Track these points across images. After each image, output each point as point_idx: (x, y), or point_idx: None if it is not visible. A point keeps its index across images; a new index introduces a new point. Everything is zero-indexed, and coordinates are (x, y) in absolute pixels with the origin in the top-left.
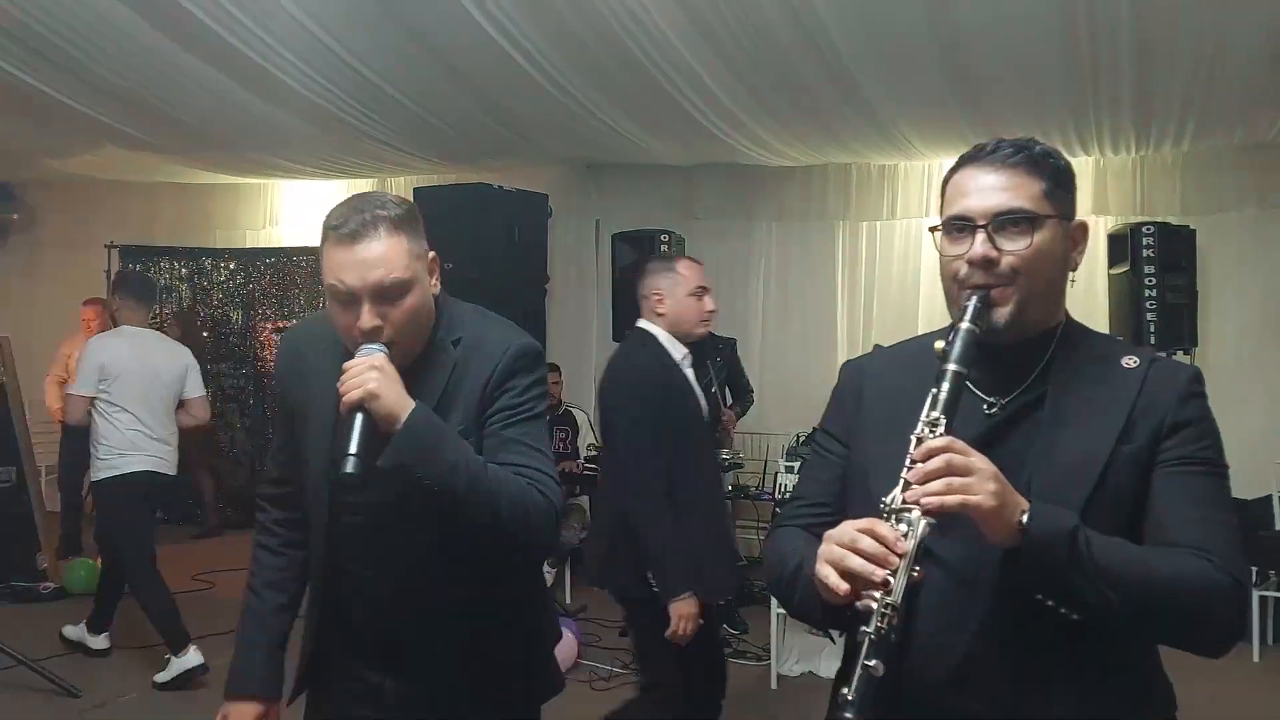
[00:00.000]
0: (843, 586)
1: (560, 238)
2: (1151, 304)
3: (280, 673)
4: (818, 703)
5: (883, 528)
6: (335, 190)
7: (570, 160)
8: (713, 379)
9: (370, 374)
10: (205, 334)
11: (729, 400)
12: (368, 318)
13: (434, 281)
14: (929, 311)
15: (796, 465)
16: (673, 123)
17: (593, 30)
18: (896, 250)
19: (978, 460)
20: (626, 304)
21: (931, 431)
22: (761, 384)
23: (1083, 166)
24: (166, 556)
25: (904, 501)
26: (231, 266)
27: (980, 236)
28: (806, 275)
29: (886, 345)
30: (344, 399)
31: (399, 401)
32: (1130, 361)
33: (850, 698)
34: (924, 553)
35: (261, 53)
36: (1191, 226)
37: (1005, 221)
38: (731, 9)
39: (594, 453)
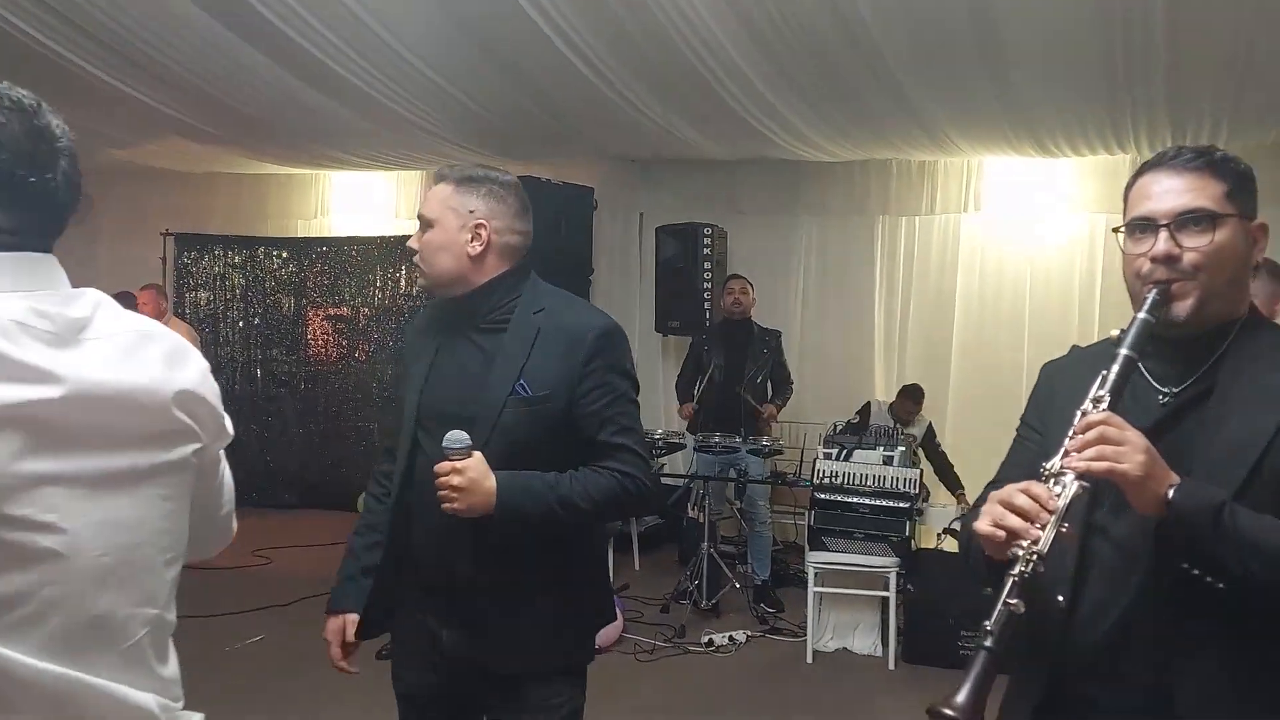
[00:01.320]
0: (998, 534)
1: (605, 230)
2: None
3: (364, 595)
4: (851, 676)
5: (1038, 487)
6: (387, 181)
7: (616, 155)
8: (761, 370)
9: (451, 496)
10: (256, 320)
11: (770, 392)
12: (413, 237)
13: (473, 244)
14: (965, 305)
15: (834, 453)
16: (717, 118)
17: (642, 27)
18: (935, 245)
19: (1132, 434)
20: (668, 296)
21: (1095, 407)
22: (801, 374)
23: (1119, 164)
24: None
25: (1061, 466)
26: (284, 255)
27: (1163, 235)
28: (846, 268)
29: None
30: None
31: (484, 502)
32: None
33: (990, 629)
34: (1094, 530)
35: (320, 46)
36: None
37: (1187, 220)
38: (778, 7)
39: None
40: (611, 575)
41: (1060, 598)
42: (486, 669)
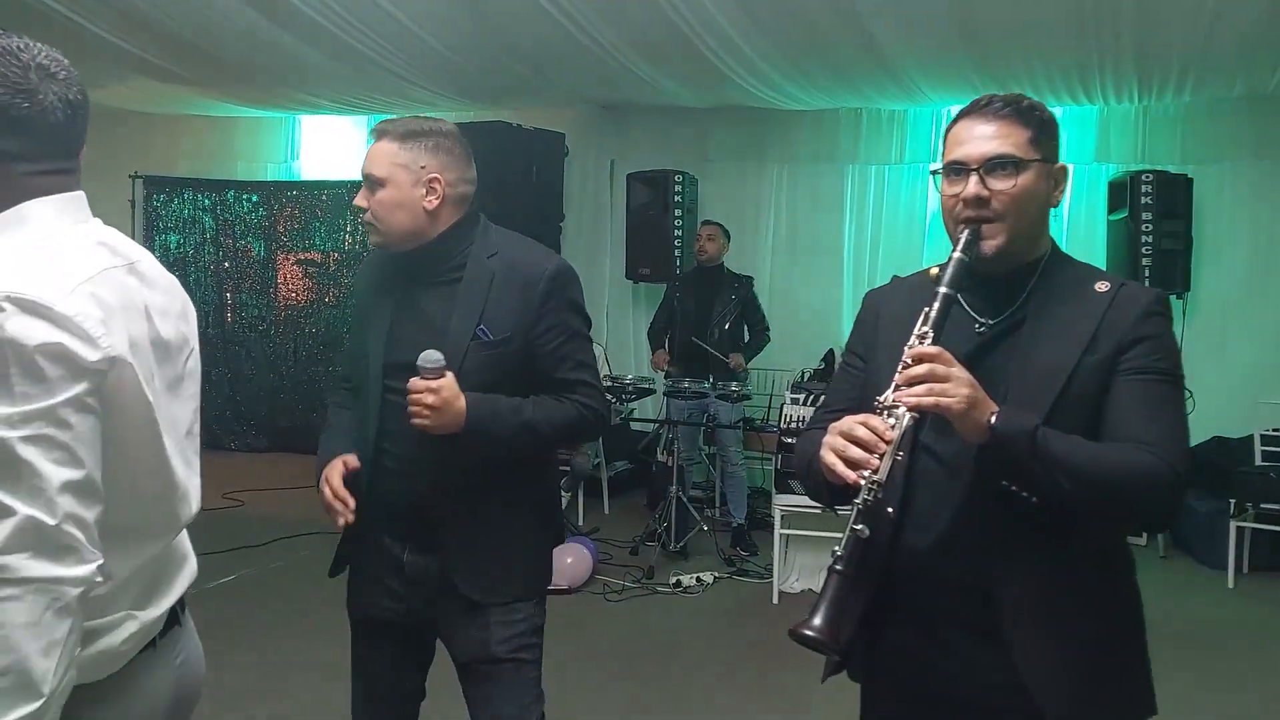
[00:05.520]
0: (849, 475)
1: (576, 177)
2: (1148, 249)
3: (353, 442)
4: None
5: (875, 420)
6: (357, 124)
7: (587, 101)
8: (727, 315)
9: (423, 413)
10: (227, 264)
11: (747, 336)
12: (359, 196)
13: (429, 199)
14: (934, 252)
15: (802, 398)
16: (688, 65)
17: None
18: (903, 193)
19: (957, 370)
20: (639, 243)
21: (921, 343)
22: (770, 321)
23: (1086, 115)
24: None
25: (894, 400)
26: (254, 199)
27: (973, 178)
28: (815, 216)
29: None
30: (412, 423)
31: (454, 421)
32: (1102, 286)
33: (839, 553)
34: (922, 448)
35: None
36: (1189, 175)
37: (994, 165)
38: None
39: (609, 383)
40: (581, 519)
41: (890, 509)
42: (449, 592)
